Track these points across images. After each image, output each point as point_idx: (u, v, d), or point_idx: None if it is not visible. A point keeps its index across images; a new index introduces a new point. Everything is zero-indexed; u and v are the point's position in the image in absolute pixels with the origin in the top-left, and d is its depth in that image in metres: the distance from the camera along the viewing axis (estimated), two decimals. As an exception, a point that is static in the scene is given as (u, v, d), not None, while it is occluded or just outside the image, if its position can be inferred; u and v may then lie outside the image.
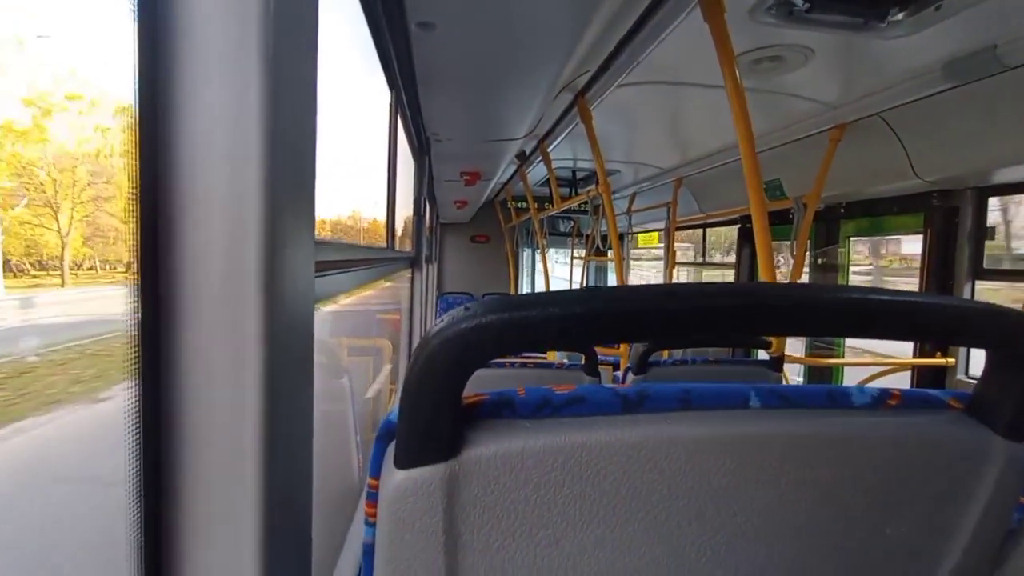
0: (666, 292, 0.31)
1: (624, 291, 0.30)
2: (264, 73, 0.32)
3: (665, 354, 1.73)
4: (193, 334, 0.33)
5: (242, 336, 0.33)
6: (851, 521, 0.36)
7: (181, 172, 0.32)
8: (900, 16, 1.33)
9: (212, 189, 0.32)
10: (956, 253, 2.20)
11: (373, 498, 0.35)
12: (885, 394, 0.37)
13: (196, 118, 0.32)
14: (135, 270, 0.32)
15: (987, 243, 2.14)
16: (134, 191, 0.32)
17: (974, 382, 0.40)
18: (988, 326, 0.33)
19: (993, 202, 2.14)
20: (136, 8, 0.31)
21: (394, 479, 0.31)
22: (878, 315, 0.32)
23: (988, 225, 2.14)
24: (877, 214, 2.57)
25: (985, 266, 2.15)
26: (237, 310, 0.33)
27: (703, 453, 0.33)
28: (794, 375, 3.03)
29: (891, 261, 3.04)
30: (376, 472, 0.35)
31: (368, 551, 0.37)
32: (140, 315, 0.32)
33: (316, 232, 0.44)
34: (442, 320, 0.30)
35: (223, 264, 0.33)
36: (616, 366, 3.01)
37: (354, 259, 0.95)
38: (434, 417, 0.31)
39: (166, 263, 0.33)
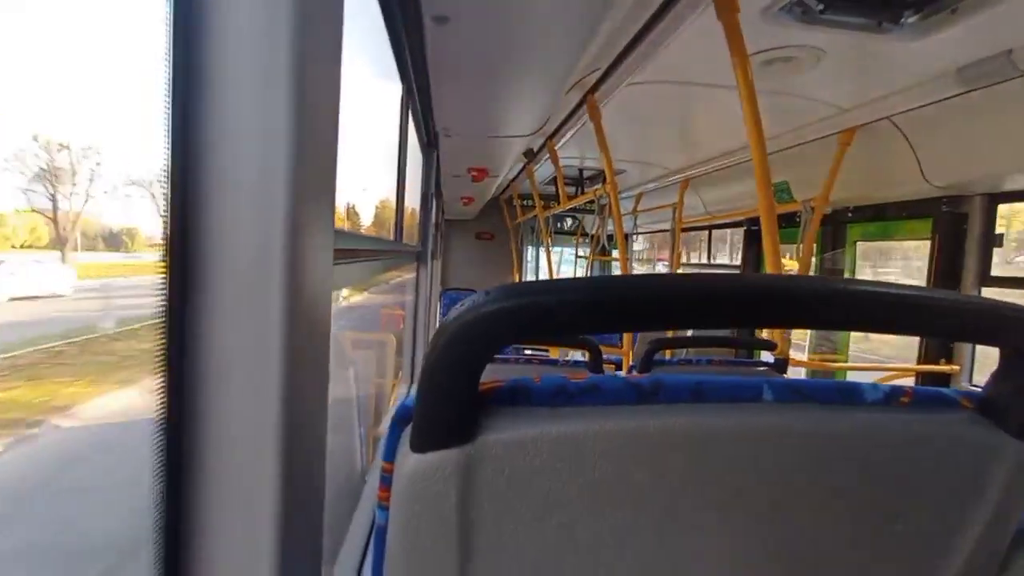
0: (685, 279, 0.32)
1: (645, 279, 0.31)
2: (292, 68, 0.33)
3: (668, 354, 1.72)
4: (218, 320, 0.34)
5: (264, 323, 0.34)
6: (860, 517, 0.36)
7: (211, 154, 0.33)
8: (914, 18, 1.32)
9: (240, 172, 0.33)
10: (964, 260, 2.18)
11: (387, 482, 0.36)
12: (897, 391, 0.36)
13: (229, 112, 0.33)
14: (165, 261, 0.33)
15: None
16: (167, 183, 0.33)
17: (979, 390, 0.40)
18: (1001, 324, 0.33)
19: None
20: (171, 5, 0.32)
21: (409, 462, 0.32)
22: (891, 309, 0.32)
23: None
24: (885, 219, 2.56)
25: (993, 273, 2.13)
26: (260, 296, 0.34)
27: (716, 444, 0.33)
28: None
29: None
30: (390, 456, 0.35)
31: (380, 534, 0.37)
32: (168, 303, 0.33)
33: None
34: (461, 304, 0.30)
35: (249, 252, 0.34)
36: (619, 365, 3.01)
37: (366, 249, 0.95)
38: (451, 401, 0.31)
39: (195, 251, 0.33)
